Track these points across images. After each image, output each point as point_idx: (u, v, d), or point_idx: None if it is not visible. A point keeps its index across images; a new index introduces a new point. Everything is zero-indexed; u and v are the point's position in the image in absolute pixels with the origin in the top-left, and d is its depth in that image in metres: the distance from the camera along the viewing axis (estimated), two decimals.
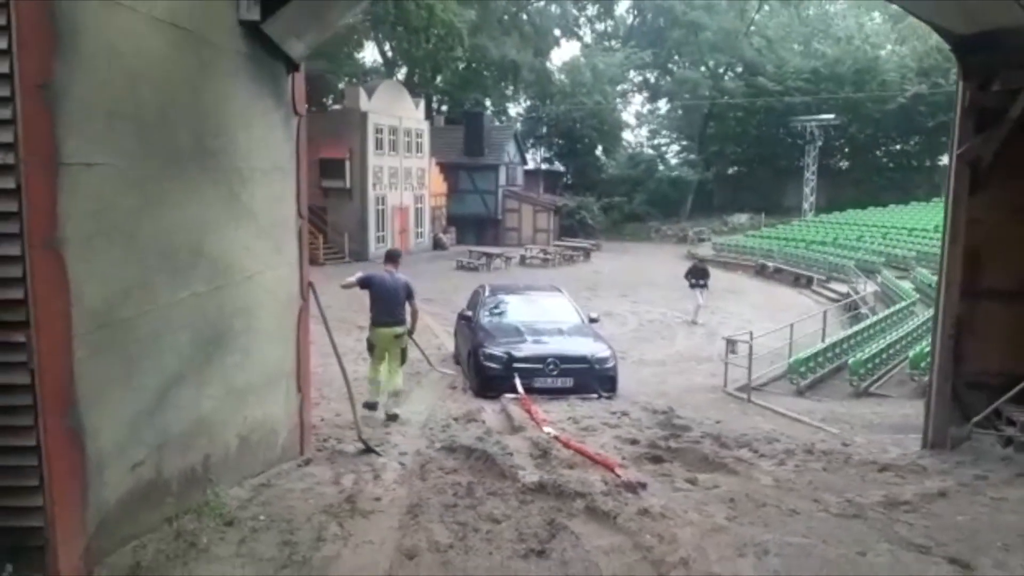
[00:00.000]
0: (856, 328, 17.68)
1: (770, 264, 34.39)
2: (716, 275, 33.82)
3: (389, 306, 9.62)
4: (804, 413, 11.51)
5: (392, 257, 10.31)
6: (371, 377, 9.82)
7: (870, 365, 14.68)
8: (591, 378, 11.45)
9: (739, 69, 53.30)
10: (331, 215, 34.29)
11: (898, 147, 51.56)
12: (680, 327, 20.88)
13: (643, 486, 5.76)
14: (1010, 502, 5.10)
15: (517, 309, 13.51)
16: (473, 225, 43.53)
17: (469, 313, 13.49)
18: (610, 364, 11.73)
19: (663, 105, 60.87)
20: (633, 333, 19.89)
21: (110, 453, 4.18)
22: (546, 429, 8.44)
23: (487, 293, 14.17)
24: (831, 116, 44.42)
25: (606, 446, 7.67)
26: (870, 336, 17.48)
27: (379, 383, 9.73)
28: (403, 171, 36.78)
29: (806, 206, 44.76)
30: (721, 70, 54.83)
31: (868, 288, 25.09)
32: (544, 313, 13.21)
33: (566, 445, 7.44)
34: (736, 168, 54.36)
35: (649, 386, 13.57)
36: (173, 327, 4.88)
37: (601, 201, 49.64)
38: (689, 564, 4.14)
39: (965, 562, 4.08)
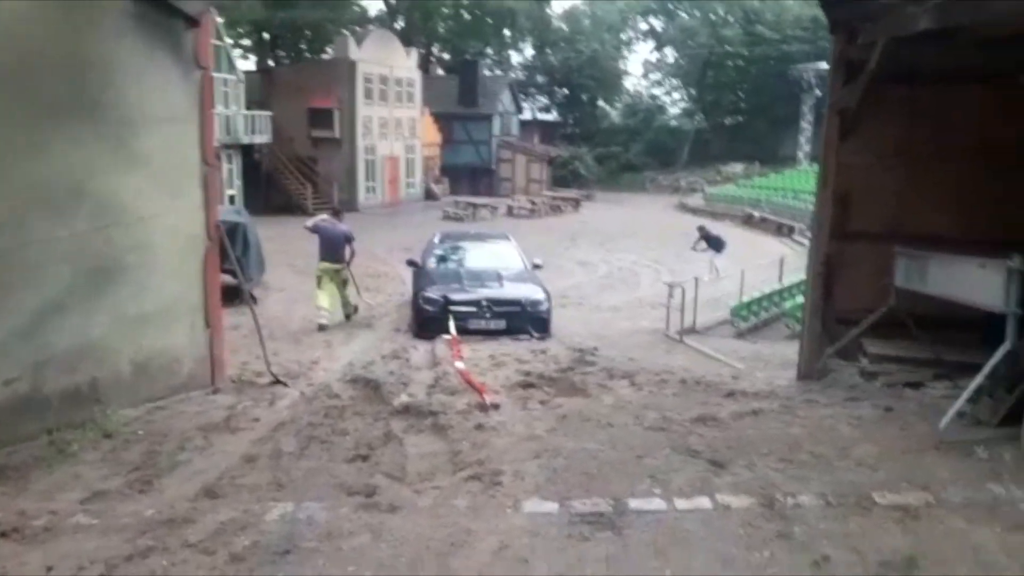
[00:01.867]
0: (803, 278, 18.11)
1: (756, 214, 34.69)
2: (703, 225, 34.48)
3: (329, 248, 13.03)
4: (728, 353, 12.08)
5: (335, 212, 13.91)
6: (318, 304, 12.89)
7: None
8: (524, 320, 12.04)
9: (739, 16, 52.80)
10: (321, 165, 34.79)
11: None
12: (645, 275, 21.39)
13: (496, 407, 6.37)
14: (807, 419, 5.67)
15: (462, 256, 14.10)
16: (467, 175, 43.88)
17: (417, 260, 14.07)
18: (543, 307, 12.30)
19: (670, 53, 60.61)
20: (600, 280, 20.48)
21: None
22: (456, 364, 9.05)
23: (436, 240, 14.73)
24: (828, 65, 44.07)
25: (500, 378, 8.27)
26: None
27: (325, 309, 12.83)
28: (394, 121, 37.08)
29: (800, 155, 44.74)
30: (721, 15, 54.30)
31: None
32: (488, 259, 13.77)
33: (461, 376, 8.05)
34: (733, 117, 54.24)
35: (592, 329, 14.16)
36: (52, 260, 5.48)
37: (596, 151, 49.73)
38: (484, 463, 4.75)
39: (721, 463, 4.67)
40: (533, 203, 35.74)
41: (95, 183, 5.88)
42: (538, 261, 14.39)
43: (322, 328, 12.52)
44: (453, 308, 11.85)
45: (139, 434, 5.76)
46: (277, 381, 8.14)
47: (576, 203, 38.14)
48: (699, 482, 4.36)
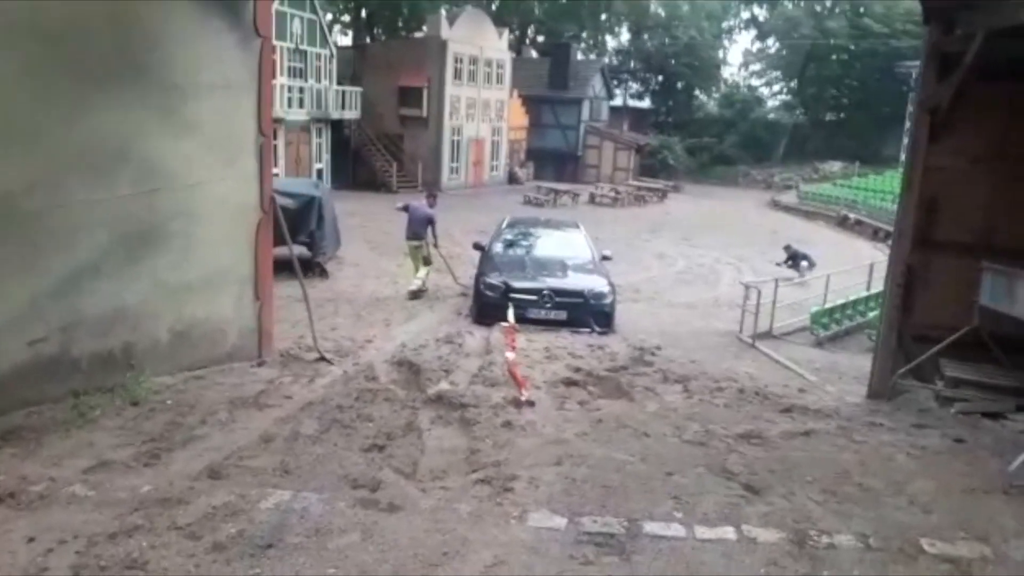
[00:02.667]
0: None
1: (852, 216, 33.20)
2: (794, 223, 33.21)
3: (410, 226, 14.13)
4: (802, 362, 11.46)
5: (431, 195, 15.32)
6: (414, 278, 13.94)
7: None
8: (586, 313, 11.69)
9: (845, 8, 50.49)
10: (407, 143, 34.96)
11: None
12: (726, 273, 20.63)
13: (531, 404, 6.09)
14: (863, 445, 5.19)
15: (529, 242, 13.78)
16: (552, 160, 43.41)
17: (483, 243, 13.85)
18: (607, 300, 11.91)
19: (771, 44, 58.66)
20: (676, 276, 19.83)
21: (3, 327, 4.81)
22: (507, 354, 8.80)
23: (504, 225, 14.47)
24: None
25: (548, 372, 7.98)
26: None
27: (417, 278, 13.89)
28: (481, 102, 36.96)
29: (903, 156, 42.61)
30: (827, 6, 52.06)
31: None
32: (555, 248, 13.43)
33: (507, 367, 7.79)
34: (834, 114, 51.98)
35: (660, 326, 13.67)
36: (90, 223, 5.46)
37: (688, 141, 48.48)
38: (500, 466, 4.48)
39: (757, 489, 4.27)
40: (616, 192, 35.09)
41: (139, 147, 5.84)
42: (607, 252, 13.96)
43: (414, 296, 13.62)
44: (513, 295, 11.57)
45: (167, 403, 5.72)
46: (322, 358, 8.05)
47: (662, 194, 37.28)
48: (727, 508, 3.99)
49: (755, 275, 20.40)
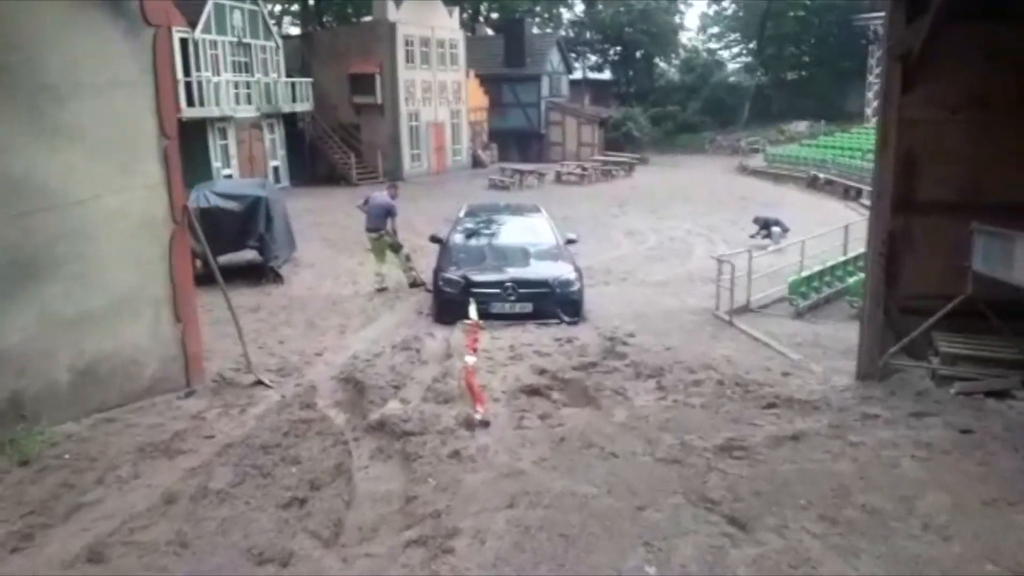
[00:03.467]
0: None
1: (822, 176, 32.70)
2: (764, 188, 32.66)
3: (371, 219, 13.50)
4: (783, 337, 10.85)
5: (392, 186, 14.64)
6: (375, 271, 13.69)
7: None
8: (552, 303, 10.99)
9: None
10: (364, 133, 33.95)
11: None
12: (698, 245, 19.99)
13: (485, 424, 5.39)
14: (861, 448, 4.55)
15: (489, 231, 13.04)
16: (516, 140, 42.51)
17: (441, 236, 13.12)
18: (574, 288, 11.21)
19: (728, 5, 57.98)
20: (648, 252, 19.14)
21: None
22: (467, 358, 8.09)
23: (462, 214, 13.72)
24: None
25: (510, 378, 7.29)
26: None
27: (377, 274, 13.57)
28: (437, 85, 35.98)
29: (868, 112, 42.14)
30: None
31: None
32: (517, 234, 12.70)
33: (464, 377, 7.09)
34: (796, 72, 51.48)
35: (633, 308, 13.01)
36: None
37: (651, 111, 47.75)
38: (440, 517, 3.78)
39: (743, 522, 3.61)
40: (583, 168, 34.30)
41: (4, 163, 5.03)
42: (572, 235, 13.23)
43: (378, 291, 13.31)
44: (474, 290, 10.84)
45: (64, 459, 4.96)
46: (259, 382, 7.28)
47: (629, 167, 36.50)
48: (710, 555, 3.32)
49: (727, 246, 19.79)
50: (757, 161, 39.45)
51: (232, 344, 9.66)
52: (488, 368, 7.89)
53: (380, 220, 13.40)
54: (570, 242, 12.97)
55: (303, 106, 32.45)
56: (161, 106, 6.58)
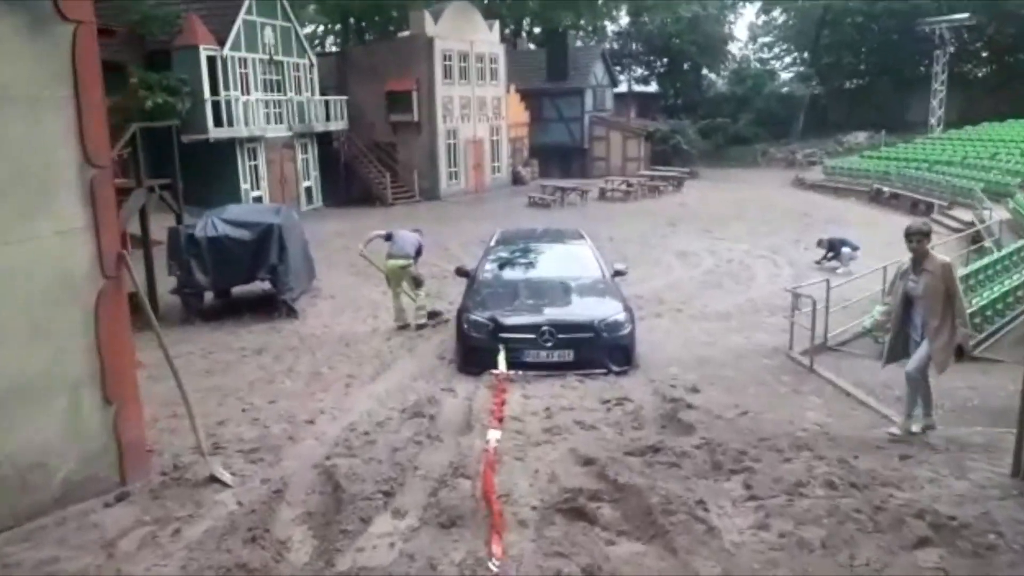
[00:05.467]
0: (971, 268, 14.39)
1: (886, 189, 30.38)
2: (824, 203, 30.47)
3: (399, 245, 12.02)
4: (879, 388, 8.90)
5: (415, 229, 12.82)
6: (395, 306, 12.17)
7: (978, 319, 11.65)
8: (598, 350, 9.14)
9: None
10: (401, 151, 32.57)
11: None
12: (759, 269, 17.97)
13: None
14: None
15: (524, 262, 11.29)
16: (558, 156, 40.79)
17: (468, 268, 11.40)
18: (624, 331, 9.37)
19: (778, 15, 55.64)
20: (704, 277, 17.20)
21: None
22: (489, 434, 6.31)
23: (493, 242, 11.98)
24: (965, 16, 38.66)
25: (543, 472, 5.45)
26: (988, 278, 14.22)
27: (400, 309, 12.07)
28: (476, 101, 34.42)
29: (933, 121, 39.53)
30: None
31: (996, 216, 21.18)
32: (556, 266, 10.91)
33: (483, 479, 5.27)
34: (853, 81, 48.90)
35: (692, 348, 11.15)
36: None
37: (701, 124, 45.61)
38: None
39: None
40: (628, 184, 32.44)
41: None
42: (620, 266, 11.37)
43: (400, 328, 11.97)
44: (505, 335, 9.10)
45: None
46: (214, 479, 5.55)
47: (678, 182, 34.56)
48: None
49: (792, 269, 17.84)
50: (815, 174, 37.25)
51: (208, 407, 8.08)
52: (516, 450, 6.09)
53: (410, 250, 12.04)
54: (618, 274, 11.13)
55: (337, 125, 31.17)
56: (85, 126, 4.91)
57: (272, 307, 13.16)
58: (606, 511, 4.52)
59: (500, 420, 6.90)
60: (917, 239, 6.49)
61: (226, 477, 5.53)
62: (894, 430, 6.79)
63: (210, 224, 13.03)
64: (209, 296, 13.94)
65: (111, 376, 5.23)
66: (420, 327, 11.85)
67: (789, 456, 5.90)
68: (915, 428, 6.74)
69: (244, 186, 25.89)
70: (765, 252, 19.91)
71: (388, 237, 12.30)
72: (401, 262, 11.84)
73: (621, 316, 9.48)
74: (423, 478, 5.47)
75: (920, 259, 6.50)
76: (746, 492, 4.90)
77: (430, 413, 7.47)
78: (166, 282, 13.24)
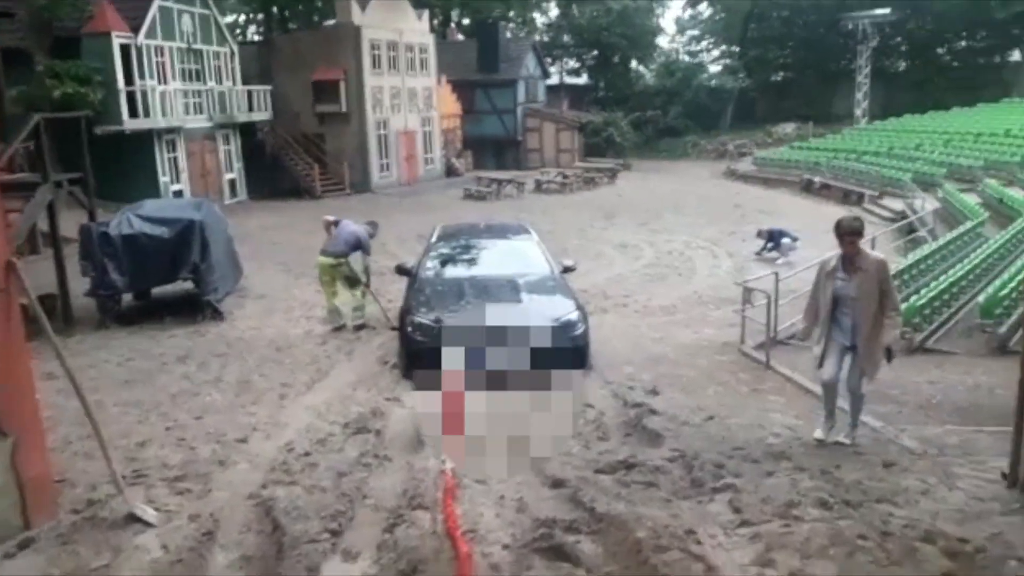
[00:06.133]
0: (912, 259, 14.40)
1: (816, 179, 30.77)
2: (755, 193, 30.68)
3: (334, 241, 11.21)
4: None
5: (370, 223, 12.03)
6: (328, 307, 11.39)
7: (927, 310, 11.57)
8: (551, 352, 8.59)
9: None
10: (329, 143, 31.51)
11: (963, 44, 46.48)
12: (699, 260, 17.77)
13: None
14: None
15: (469, 258, 10.70)
16: (492, 148, 40.30)
17: (409, 265, 10.77)
18: (578, 331, 8.88)
19: (704, 9, 56.10)
20: (645, 270, 16.90)
21: None
22: (443, 455, 5.72)
23: (435, 238, 11.34)
24: (887, 11, 39.55)
25: (512, 498, 4.91)
26: (928, 267, 14.25)
27: (336, 309, 11.26)
28: (407, 91, 33.56)
29: (858, 113, 40.40)
30: None
31: (927, 205, 21.51)
32: (503, 262, 10.34)
33: (444, 512, 4.69)
34: (781, 74, 49.71)
35: (642, 345, 10.76)
36: None
37: (632, 116, 45.61)
38: None
39: None
40: (564, 176, 32.16)
41: None
42: (568, 262, 10.90)
43: (335, 330, 11.21)
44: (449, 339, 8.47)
45: None
46: (134, 517, 4.82)
47: (612, 174, 34.46)
48: None
49: (732, 260, 17.71)
50: (745, 165, 37.58)
51: (127, 424, 7.30)
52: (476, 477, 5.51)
53: (346, 247, 11.19)
54: (567, 270, 10.65)
55: (261, 115, 29.99)
56: None
57: (196, 309, 12.30)
58: (587, 547, 3.99)
59: (453, 489, 6.27)
60: (850, 239, 5.87)
61: (148, 515, 4.81)
62: (819, 434, 6.31)
63: (125, 221, 12.12)
64: (127, 298, 12.95)
65: (5, 404, 4.46)
66: (358, 328, 11.16)
67: (769, 468, 5.50)
68: (843, 439, 6.24)
69: (163, 179, 24.64)
70: (704, 243, 19.78)
71: (335, 223, 11.62)
72: (330, 260, 11.08)
73: (574, 314, 9.00)
74: (374, 509, 4.87)
75: (851, 257, 5.90)
76: (735, 516, 4.45)
77: (376, 428, 6.88)
78: (80, 283, 12.22)
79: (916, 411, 8.06)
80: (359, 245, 11.26)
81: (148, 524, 4.75)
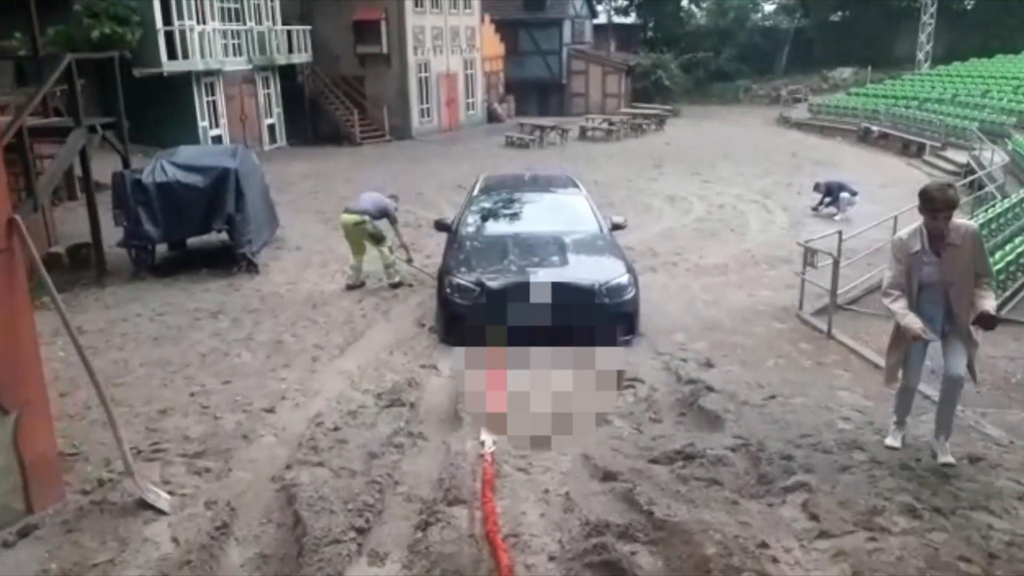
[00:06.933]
0: (981, 219, 13.44)
1: (874, 128, 29.35)
2: (811, 142, 29.47)
3: (357, 201, 10.97)
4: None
5: (393, 196, 11.68)
6: (353, 264, 11.09)
7: (1002, 275, 10.76)
8: (600, 317, 8.07)
9: None
10: (369, 86, 30.73)
11: None
12: (753, 215, 16.96)
13: None
14: None
15: (512, 213, 10.17)
16: (535, 92, 39.13)
17: (448, 221, 10.28)
18: (627, 295, 8.38)
19: None
20: (696, 225, 16.14)
21: None
22: (483, 439, 5.27)
23: (477, 191, 10.78)
24: None
25: (556, 492, 4.44)
26: (999, 227, 13.33)
27: (358, 267, 11.01)
28: (449, 31, 32.59)
29: (921, 56, 38.39)
30: None
31: (995, 158, 20.25)
32: (549, 218, 9.79)
33: (483, 501, 4.24)
34: (839, 14, 47.25)
35: (697, 310, 10.17)
36: None
37: (682, 58, 44.03)
38: None
39: None
40: (610, 123, 31.08)
41: None
42: (619, 219, 10.31)
43: (349, 287, 10.93)
44: (492, 301, 7.99)
45: None
46: (145, 504, 4.46)
47: (660, 120, 33.28)
48: None
49: (787, 215, 16.85)
50: (800, 112, 36.11)
51: (151, 388, 6.98)
52: (517, 455, 5.06)
53: (368, 206, 10.81)
54: (616, 228, 10.07)
55: (301, 57, 29.34)
56: None
57: (231, 261, 11.96)
58: (645, 561, 3.52)
59: (491, 484, 5.78)
60: (945, 215, 4.79)
61: (161, 502, 4.46)
62: (893, 442, 5.32)
63: (159, 168, 11.78)
64: (162, 249, 12.68)
65: (7, 377, 4.09)
66: (394, 286, 10.75)
67: (843, 462, 4.96)
68: (948, 458, 5.00)
69: (202, 124, 24.24)
70: (757, 197, 18.91)
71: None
72: (354, 218, 10.67)
73: (624, 277, 8.48)
74: (406, 499, 4.45)
75: (941, 233, 4.85)
76: (812, 525, 3.93)
77: (410, 400, 6.48)
78: (114, 232, 11.96)
79: (995, 391, 7.45)
80: (387, 213, 10.91)
81: (160, 511, 4.39)
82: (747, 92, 43.87)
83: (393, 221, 10.97)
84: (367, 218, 10.65)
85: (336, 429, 5.84)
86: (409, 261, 11.15)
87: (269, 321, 9.52)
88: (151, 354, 8.22)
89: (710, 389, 6.57)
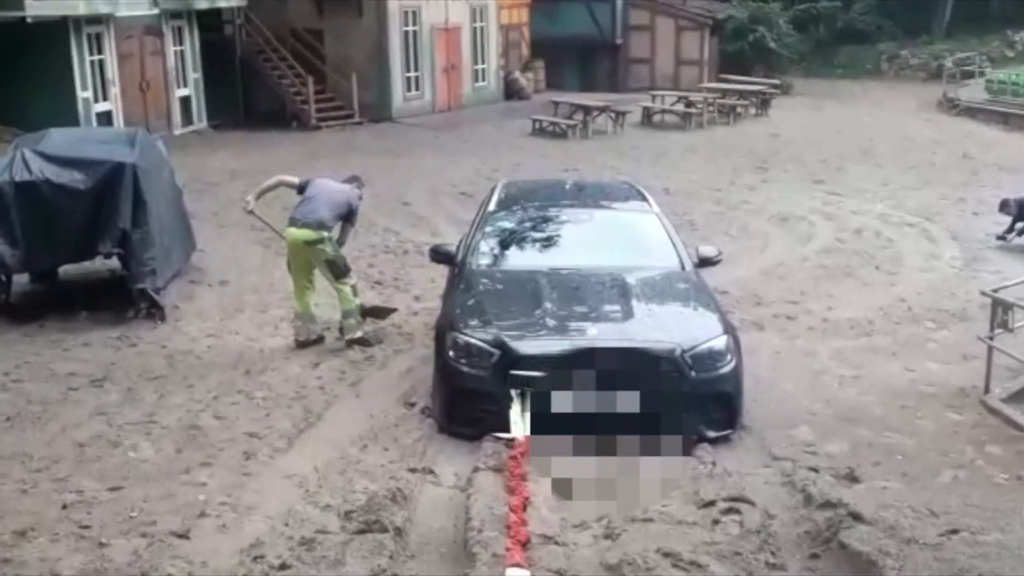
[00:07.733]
0: None
1: None
2: (990, 137, 29.92)
3: (312, 206, 10.93)
4: None
5: (354, 178, 11.86)
6: (297, 308, 11.27)
7: None
8: (682, 399, 8.08)
9: None
10: (330, 45, 31.61)
11: None
12: (906, 243, 17.04)
13: None
14: None
15: (547, 239, 10.45)
16: (576, 57, 40.03)
17: (450, 247, 10.57)
18: (725, 366, 8.50)
19: None
20: (821, 258, 16.29)
21: None
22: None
23: (494, 203, 11.07)
24: None
25: None
26: None
27: (297, 316, 11.23)
28: None
29: None
30: None
31: None
32: (603, 248, 10.09)
33: None
34: None
35: (827, 392, 10.19)
36: None
37: (794, 9, 44.66)
38: None
39: None
40: (688, 103, 31.59)
41: None
42: (709, 250, 10.49)
43: (301, 345, 11.14)
44: (519, 371, 8.23)
45: None
46: None
47: (764, 100, 33.75)
48: None
49: (960, 246, 16.99)
50: (973, 91, 36.66)
51: (7, 502, 6.96)
52: None
53: (326, 214, 10.93)
54: (707, 263, 10.18)
55: (230, 0, 29.93)
56: None
57: (124, 301, 12.27)
58: None
59: (524, 544, 5.81)
60: None
61: None
62: None
63: (19, 162, 12.03)
64: (21, 280, 13.03)
65: None
66: (356, 343, 10.90)
67: None
68: None
69: (83, 95, 24.78)
70: (912, 218, 19.13)
71: (302, 189, 11.35)
72: (308, 234, 10.74)
73: (721, 341, 8.59)
74: None
75: None
76: None
77: (395, 523, 6.46)
78: None
79: None
80: (350, 211, 11.20)
81: None
82: (892, 61, 45.00)
83: (351, 224, 11.41)
84: (325, 235, 10.76)
85: (284, 568, 5.85)
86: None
87: (180, 394, 9.70)
88: (2, 442, 8.33)
89: (856, 518, 6.49)
